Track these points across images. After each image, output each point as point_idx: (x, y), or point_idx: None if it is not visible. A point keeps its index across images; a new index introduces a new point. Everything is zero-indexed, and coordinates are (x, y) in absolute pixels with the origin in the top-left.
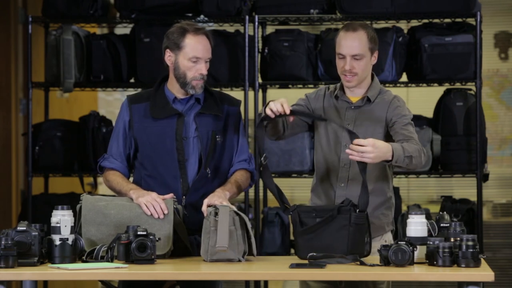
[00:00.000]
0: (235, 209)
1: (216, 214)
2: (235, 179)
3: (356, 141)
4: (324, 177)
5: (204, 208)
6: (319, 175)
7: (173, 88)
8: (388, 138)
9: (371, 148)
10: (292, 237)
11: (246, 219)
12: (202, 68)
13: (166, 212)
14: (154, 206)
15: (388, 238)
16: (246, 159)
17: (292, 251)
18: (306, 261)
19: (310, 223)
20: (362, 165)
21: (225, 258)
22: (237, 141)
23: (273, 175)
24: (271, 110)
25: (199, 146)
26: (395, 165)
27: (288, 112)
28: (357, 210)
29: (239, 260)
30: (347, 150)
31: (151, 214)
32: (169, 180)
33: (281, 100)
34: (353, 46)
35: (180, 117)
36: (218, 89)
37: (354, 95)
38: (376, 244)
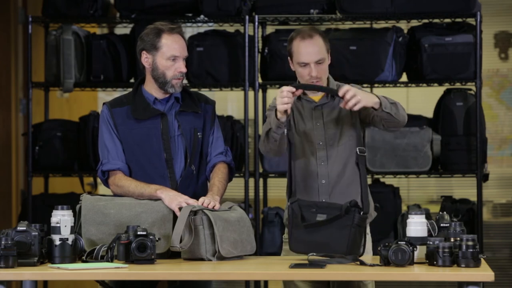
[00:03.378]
0: (209, 208)
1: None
2: (218, 180)
3: (340, 92)
4: (302, 178)
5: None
6: (297, 176)
7: (151, 89)
8: (360, 123)
9: (348, 87)
10: None
11: (213, 220)
12: (181, 66)
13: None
14: None
15: (368, 231)
16: (223, 152)
17: None
18: (306, 261)
19: (311, 219)
20: (361, 160)
21: (195, 257)
22: (213, 135)
23: (273, 175)
24: (287, 104)
25: (183, 144)
26: (385, 111)
27: (294, 91)
28: (361, 212)
29: (209, 260)
30: (341, 104)
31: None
32: (157, 179)
33: (279, 92)
34: (314, 52)
35: (164, 117)
36: (218, 89)
37: (316, 94)
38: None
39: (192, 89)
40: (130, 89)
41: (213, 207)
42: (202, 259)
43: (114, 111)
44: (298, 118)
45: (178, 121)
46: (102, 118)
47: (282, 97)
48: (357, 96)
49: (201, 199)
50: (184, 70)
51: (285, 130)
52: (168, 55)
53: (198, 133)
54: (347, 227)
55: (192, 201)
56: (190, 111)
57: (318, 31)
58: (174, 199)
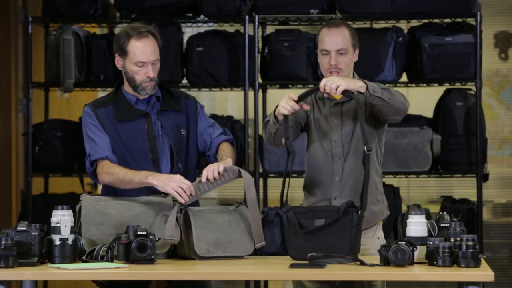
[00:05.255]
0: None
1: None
2: (230, 151)
3: (320, 84)
4: (318, 174)
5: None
6: (312, 172)
7: (130, 90)
8: (374, 120)
9: (325, 80)
10: None
11: (193, 220)
12: (149, 72)
13: (194, 194)
14: (185, 191)
15: (380, 235)
16: (222, 132)
17: None
18: (306, 261)
19: (309, 225)
20: (366, 158)
21: (183, 255)
22: (206, 124)
23: (273, 175)
24: (287, 110)
25: (168, 143)
26: (375, 96)
27: (296, 98)
28: (359, 211)
29: (192, 258)
30: (324, 87)
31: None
32: None
33: (286, 97)
34: (337, 41)
35: (148, 117)
36: (218, 89)
37: (337, 93)
38: (369, 236)
39: (192, 89)
40: None
41: (218, 172)
42: (187, 258)
43: (98, 111)
44: (318, 115)
45: (160, 121)
46: (85, 117)
47: (284, 101)
48: (337, 81)
49: (205, 171)
50: (151, 75)
51: (283, 140)
52: (135, 60)
53: (182, 130)
54: (347, 229)
55: (187, 181)
56: (171, 109)
57: (348, 25)
58: (167, 183)
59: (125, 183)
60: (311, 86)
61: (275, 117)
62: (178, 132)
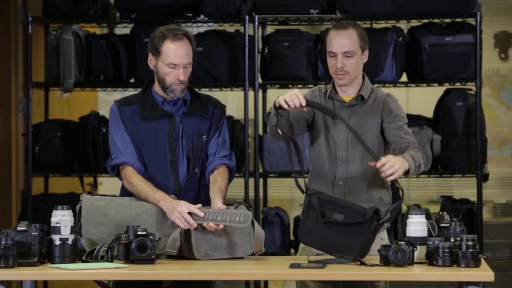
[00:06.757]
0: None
1: None
2: (223, 185)
3: (378, 163)
4: (321, 174)
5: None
6: (315, 172)
7: (160, 90)
8: (383, 135)
9: (385, 160)
10: (292, 237)
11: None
12: (180, 74)
13: (194, 226)
14: (187, 220)
15: (384, 236)
16: (227, 155)
17: (292, 251)
18: (305, 261)
19: (329, 216)
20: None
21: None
22: (219, 138)
23: (273, 175)
24: (287, 103)
25: (187, 146)
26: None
27: (304, 104)
28: (380, 220)
29: (192, 258)
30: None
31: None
32: (160, 180)
33: (295, 92)
34: (344, 44)
35: (171, 118)
36: (218, 89)
37: (347, 95)
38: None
39: None
40: (130, 89)
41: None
42: (187, 258)
43: (123, 109)
44: (326, 116)
45: (183, 123)
46: (111, 115)
47: (290, 96)
48: (397, 167)
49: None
50: (182, 78)
51: (279, 131)
52: (167, 61)
53: (203, 136)
54: (363, 233)
55: (194, 208)
56: (196, 114)
57: (357, 26)
58: (172, 210)
59: (141, 197)
60: (311, 86)
61: (275, 108)
62: (199, 138)
